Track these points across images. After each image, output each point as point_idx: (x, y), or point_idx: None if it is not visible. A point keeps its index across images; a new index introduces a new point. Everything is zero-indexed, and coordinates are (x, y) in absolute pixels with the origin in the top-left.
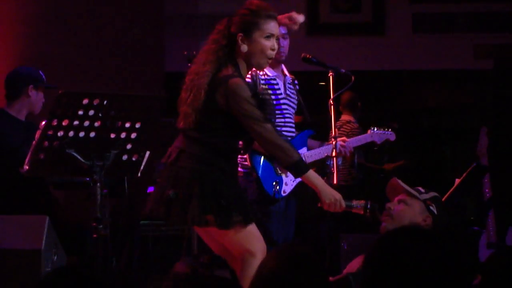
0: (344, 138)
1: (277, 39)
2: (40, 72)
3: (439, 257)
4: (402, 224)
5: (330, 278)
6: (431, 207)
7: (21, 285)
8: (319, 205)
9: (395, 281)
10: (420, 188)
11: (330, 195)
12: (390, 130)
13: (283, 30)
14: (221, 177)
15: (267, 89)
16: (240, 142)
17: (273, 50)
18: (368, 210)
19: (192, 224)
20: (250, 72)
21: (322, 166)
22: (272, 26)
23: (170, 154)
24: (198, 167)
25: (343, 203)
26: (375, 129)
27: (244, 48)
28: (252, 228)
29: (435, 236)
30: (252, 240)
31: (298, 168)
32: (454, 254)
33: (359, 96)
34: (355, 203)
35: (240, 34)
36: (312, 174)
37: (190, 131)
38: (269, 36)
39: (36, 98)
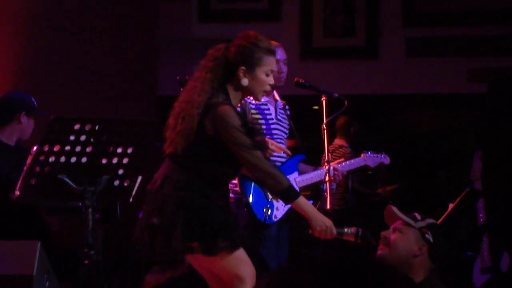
0: (340, 160)
1: (272, 72)
2: (33, 99)
3: None
4: (397, 253)
5: None
6: (426, 235)
7: None
8: (310, 231)
9: None
10: (417, 215)
11: (321, 222)
12: (383, 153)
13: (284, 56)
14: (206, 203)
15: (257, 118)
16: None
17: (270, 85)
18: (359, 238)
19: (175, 253)
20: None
21: (315, 191)
22: (273, 62)
23: (155, 181)
24: (182, 195)
25: (334, 230)
26: (369, 153)
27: (245, 82)
28: (240, 253)
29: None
30: (241, 266)
31: (288, 195)
32: None
33: (353, 121)
34: (346, 230)
35: (242, 67)
36: (302, 200)
37: (177, 156)
38: (269, 73)
39: (27, 125)
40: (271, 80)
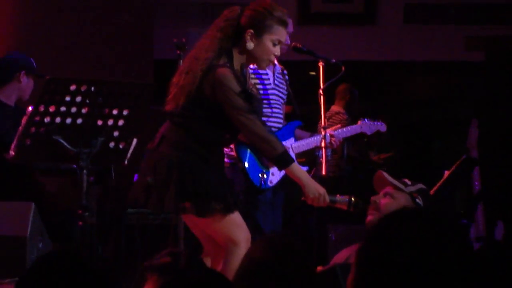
0: (337, 126)
1: (280, 43)
2: (32, 60)
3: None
4: None
5: (318, 269)
6: (417, 200)
7: (5, 272)
8: (303, 198)
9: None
10: (407, 180)
11: (314, 189)
12: (380, 120)
13: (291, 29)
14: (201, 165)
15: (255, 83)
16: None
17: (276, 56)
18: (352, 206)
19: (167, 211)
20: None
21: (311, 157)
22: (283, 33)
23: (154, 139)
24: (177, 154)
25: (327, 198)
26: (365, 120)
27: (250, 45)
28: (235, 216)
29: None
30: (235, 229)
31: (282, 160)
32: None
33: (353, 88)
34: (339, 198)
35: (250, 30)
36: (296, 167)
37: (175, 116)
38: (277, 43)
39: (26, 84)
40: (277, 50)
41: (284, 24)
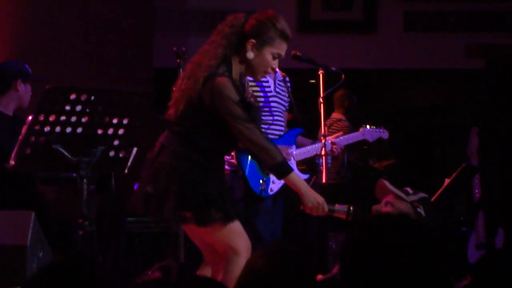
0: (339, 133)
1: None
2: (26, 66)
3: (416, 245)
4: None
5: (318, 277)
6: (418, 209)
7: (5, 281)
8: (301, 208)
9: (372, 272)
10: (408, 189)
11: (313, 198)
12: (382, 128)
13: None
14: (201, 174)
15: (255, 91)
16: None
17: (273, 69)
18: (350, 215)
19: (167, 221)
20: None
21: (311, 165)
22: (283, 47)
23: (153, 149)
24: (177, 163)
25: (326, 207)
26: (367, 127)
27: (250, 55)
28: (235, 225)
29: (410, 224)
30: (235, 238)
31: (281, 170)
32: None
33: (352, 94)
34: (338, 207)
35: (252, 40)
36: (295, 176)
37: (174, 125)
38: (276, 56)
39: (24, 92)
40: (275, 64)
41: (286, 38)
